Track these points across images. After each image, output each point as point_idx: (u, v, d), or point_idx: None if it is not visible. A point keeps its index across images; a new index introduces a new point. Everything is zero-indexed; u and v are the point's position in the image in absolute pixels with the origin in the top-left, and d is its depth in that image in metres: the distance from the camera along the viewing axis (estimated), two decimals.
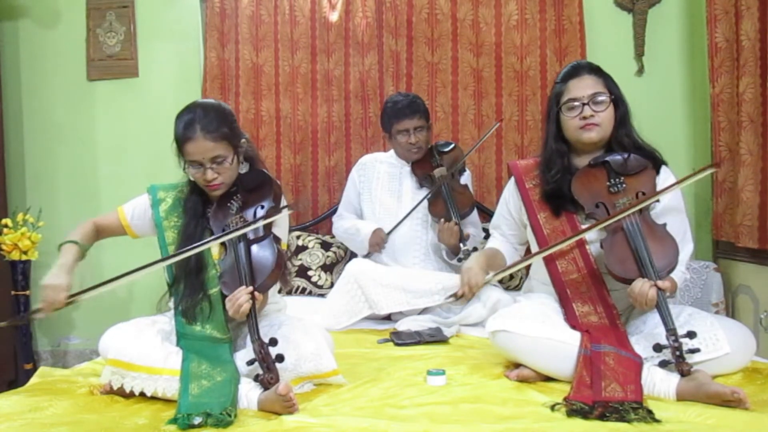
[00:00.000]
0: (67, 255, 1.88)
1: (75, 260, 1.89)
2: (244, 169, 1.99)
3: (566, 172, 2.05)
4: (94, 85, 3.59)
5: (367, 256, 2.95)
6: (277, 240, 1.91)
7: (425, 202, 2.88)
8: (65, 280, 1.79)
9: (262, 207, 1.92)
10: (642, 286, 1.79)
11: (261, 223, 1.87)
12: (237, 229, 1.84)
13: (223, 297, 1.88)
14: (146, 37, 3.55)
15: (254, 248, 1.87)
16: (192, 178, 1.95)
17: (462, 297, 2.16)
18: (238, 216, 1.91)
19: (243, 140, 1.97)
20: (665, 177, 2.04)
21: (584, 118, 1.99)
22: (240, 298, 1.74)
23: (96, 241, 2.04)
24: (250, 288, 1.76)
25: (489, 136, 3.12)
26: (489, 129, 3.03)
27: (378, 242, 2.89)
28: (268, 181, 1.97)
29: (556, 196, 2.05)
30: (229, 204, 1.94)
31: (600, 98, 2.00)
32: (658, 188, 1.98)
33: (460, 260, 2.74)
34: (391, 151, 3.07)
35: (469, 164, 3.12)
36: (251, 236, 1.88)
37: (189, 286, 1.91)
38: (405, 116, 2.87)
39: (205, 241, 1.87)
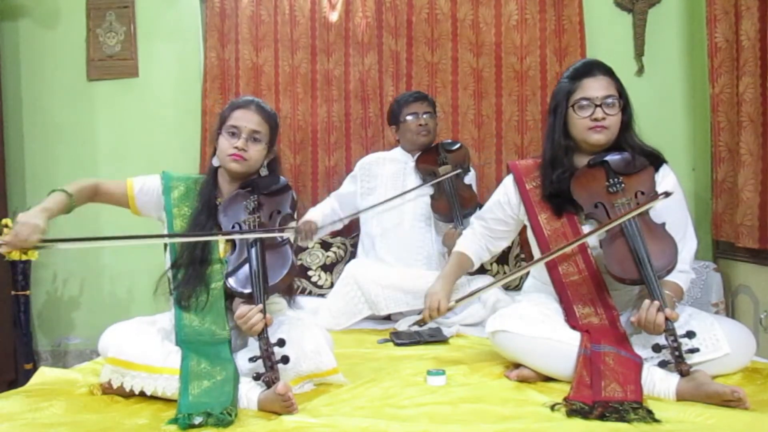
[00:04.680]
0: (53, 201, 1.81)
1: (59, 210, 1.82)
2: (263, 172, 2.04)
3: (569, 168, 2.05)
4: (94, 85, 3.59)
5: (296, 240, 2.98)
6: (290, 245, 1.92)
7: (426, 197, 2.90)
8: (43, 222, 1.70)
9: (279, 212, 1.93)
10: (649, 311, 1.75)
11: (277, 234, 1.89)
12: (258, 231, 1.86)
13: (226, 293, 1.88)
14: (146, 37, 3.55)
15: (269, 250, 1.88)
16: (220, 149, 2.00)
17: (425, 323, 2.18)
18: (255, 215, 1.92)
19: (275, 147, 2.06)
20: (664, 174, 2.04)
21: (595, 119, 1.97)
22: (254, 316, 1.73)
23: (90, 202, 1.98)
24: (261, 306, 1.76)
25: (486, 134, 3.12)
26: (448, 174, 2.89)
27: (306, 230, 2.91)
28: (287, 188, 2.01)
29: (557, 196, 2.05)
30: (244, 202, 1.95)
31: (612, 101, 1.98)
32: (657, 187, 1.98)
33: None
34: (396, 149, 3.08)
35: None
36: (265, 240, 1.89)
37: (191, 274, 1.92)
38: (414, 101, 2.97)
39: (222, 232, 1.90)
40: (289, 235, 1.93)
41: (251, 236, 1.85)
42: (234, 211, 1.94)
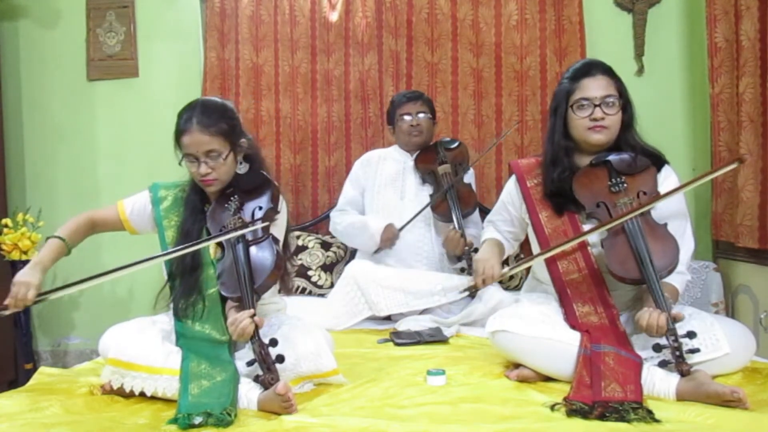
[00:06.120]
0: (47, 252, 1.88)
1: (55, 258, 1.89)
2: (243, 169, 1.98)
3: (569, 171, 2.05)
4: (94, 85, 3.59)
5: (377, 251, 2.90)
6: (276, 241, 1.91)
7: (425, 198, 2.90)
8: (36, 278, 1.79)
9: (260, 208, 1.91)
10: (651, 317, 1.74)
11: (259, 226, 1.86)
12: (234, 230, 1.83)
13: (222, 297, 1.88)
14: (146, 37, 3.55)
15: (253, 249, 1.87)
16: (191, 174, 1.96)
17: (476, 290, 2.11)
18: (236, 217, 1.91)
19: (243, 140, 1.97)
20: (666, 175, 2.04)
21: (594, 119, 1.98)
22: (243, 321, 1.72)
23: (89, 236, 2.03)
24: (252, 311, 1.74)
25: (486, 134, 3.13)
26: (508, 129, 3.00)
27: (390, 237, 2.84)
28: (266, 182, 1.97)
29: (558, 194, 2.05)
30: (226, 204, 1.93)
31: (612, 101, 1.98)
32: (659, 187, 1.98)
33: (463, 270, 2.75)
34: (394, 147, 3.08)
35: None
36: (250, 237, 1.88)
37: (184, 284, 1.91)
38: (408, 101, 2.96)
39: (203, 239, 1.87)
40: (274, 230, 1.91)
41: (231, 236, 1.84)
42: (219, 216, 1.93)
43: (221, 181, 1.93)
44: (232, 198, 1.94)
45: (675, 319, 1.74)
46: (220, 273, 1.88)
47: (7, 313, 1.79)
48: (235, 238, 1.85)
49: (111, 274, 1.78)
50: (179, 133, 1.91)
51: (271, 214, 1.90)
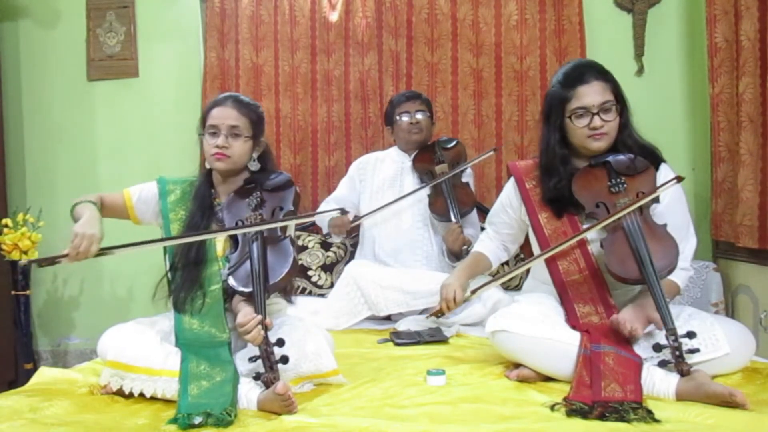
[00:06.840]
0: (93, 211, 1.83)
1: (101, 216, 1.86)
2: (254, 166, 2.03)
3: (566, 178, 2.04)
4: (94, 85, 3.59)
5: (328, 236, 3.06)
6: (293, 243, 1.91)
7: (424, 197, 2.90)
8: (100, 231, 1.75)
9: (281, 209, 1.92)
10: (630, 332, 1.80)
11: (279, 224, 1.87)
12: (256, 225, 1.85)
13: (225, 293, 1.88)
14: (146, 37, 3.56)
15: (270, 248, 1.87)
16: (204, 150, 2.01)
17: (441, 314, 2.18)
18: (256, 212, 1.92)
19: (263, 139, 2.06)
20: (665, 174, 2.04)
21: (594, 128, 1.96)
22: (252, 330, 1.71)
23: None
24: (260, 317, 1.73)
25: (486, 134, 3.14)
26: (484, 153, 3.06)
27: (338, 225, 2.87)
28: (289, 184, 2.00)
29: (557, 199, 2.05)
30: (247, 199, 1.95)
31: (609, 106, 1.97)
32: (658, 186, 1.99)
33: None
34: (392, 148, 3.08)
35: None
36: (266, 235, 1.88)
37: (186, 276, 1.91)
38: (407, 100, 2.98)
39: (225, 229, 1.89)
40: (290, 231, 1.92)
41: (251, 230, 1.84)
42: (237, 209, 1.94)
43: (233, 161, 1.98)
44: (253, 194, 1.96)
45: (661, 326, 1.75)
46: (232, 265, 1.88)
47: (63, 262, 1.71)
48: (253, 235, 1.86)
49: (170, 240, 1.86)
50: (210, 107, 2.02)
51: (291, 217, 1.91)
